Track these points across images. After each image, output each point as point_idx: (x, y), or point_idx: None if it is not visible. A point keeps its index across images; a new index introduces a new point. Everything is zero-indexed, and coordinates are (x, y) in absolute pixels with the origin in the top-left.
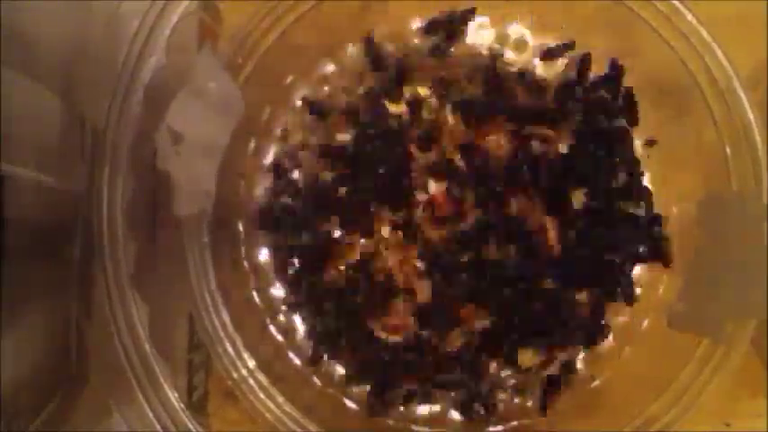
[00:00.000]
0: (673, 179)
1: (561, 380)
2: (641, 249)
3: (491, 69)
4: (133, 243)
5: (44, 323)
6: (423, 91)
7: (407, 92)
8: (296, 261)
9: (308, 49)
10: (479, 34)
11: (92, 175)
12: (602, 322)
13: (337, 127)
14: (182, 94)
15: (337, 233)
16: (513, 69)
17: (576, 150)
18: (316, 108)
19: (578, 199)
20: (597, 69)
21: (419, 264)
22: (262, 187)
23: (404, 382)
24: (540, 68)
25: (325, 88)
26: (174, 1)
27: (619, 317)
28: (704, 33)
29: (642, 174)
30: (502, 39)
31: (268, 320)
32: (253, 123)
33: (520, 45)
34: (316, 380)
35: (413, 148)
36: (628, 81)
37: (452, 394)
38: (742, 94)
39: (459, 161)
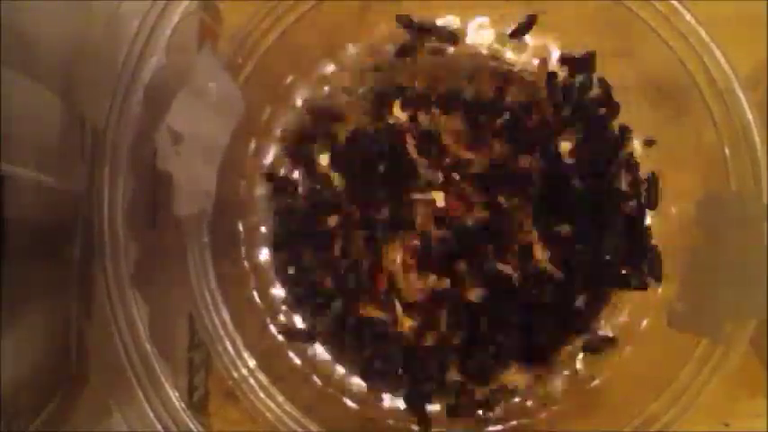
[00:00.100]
0: (672, 179)
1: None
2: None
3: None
4: (133, 243)
5: (44, 323)
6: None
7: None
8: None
9: (308, 49)
10: (479, 34)
11: (92, 175)
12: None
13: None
14: (182, 94)
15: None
16: (514, 69)
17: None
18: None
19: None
20: (599, 69)
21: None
22: (262, 187)
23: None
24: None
25: (326, 88)
26: (174, 1)
27: (619, 317)
28: (703, 33)
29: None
30: (502, 39)
31: (268, 320)
32: (253, 123)
33: (520, 45)
34: (316, 380)
35: (411, 149)
36: (627, 81)
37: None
38: (741, 95)
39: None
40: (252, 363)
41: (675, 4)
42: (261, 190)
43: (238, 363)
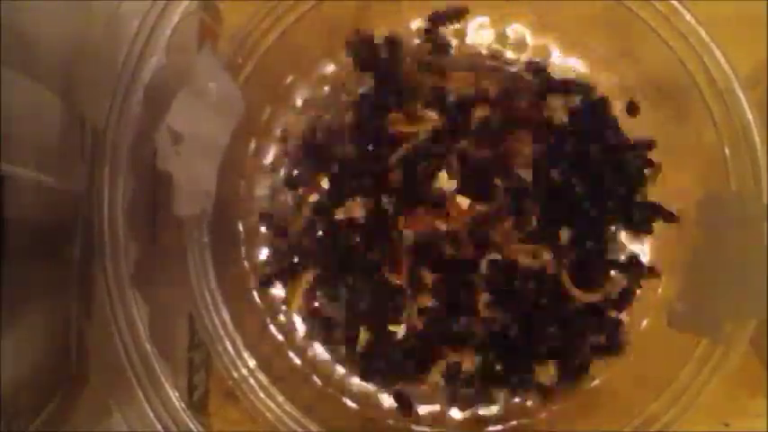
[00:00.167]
0: (672, 179)
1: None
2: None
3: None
4: (133, 243)
5: (44, 323)
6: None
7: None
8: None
9: (308, 49)
10: (479, 34)
11: (92, 175)
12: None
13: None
14: (182, 94)
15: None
16: (513, 69)
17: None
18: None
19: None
20: (599, 69)
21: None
22: (262, 187)
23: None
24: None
25: (325, 88)
26: (174, 1)
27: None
28: (703, 33)
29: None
30: (502, 39)
31: (268, 320)
32: (253, 123)
33: (520, 45)
34: (316, 379)
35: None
36: (627, 81)
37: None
38: (741, 95)
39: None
40: (252, 363)
41: (675, 4)
42: (261, 190)
43: (238, 363)
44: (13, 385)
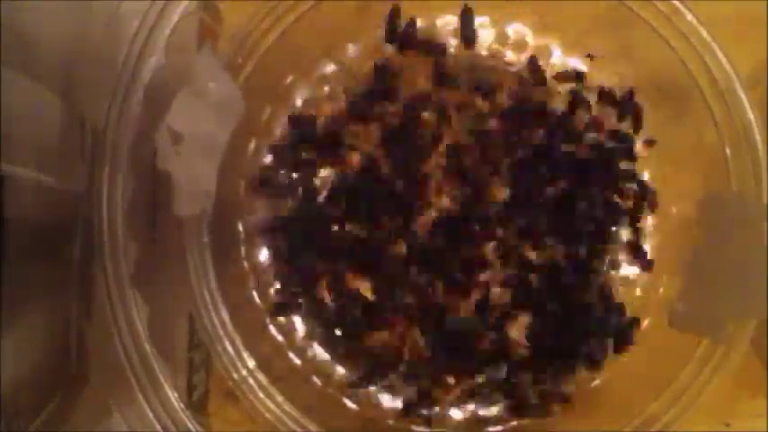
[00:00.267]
0: (672, 179)
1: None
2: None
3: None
4: (133, 243)
5: (44, 323)
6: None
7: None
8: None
9: (308, 49)
10: (479, 34)
11: (92, 175)
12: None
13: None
14: (182, 94)
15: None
16: (513, 69)
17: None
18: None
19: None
20: (599, 69)
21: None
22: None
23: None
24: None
25: (325, 88)
26: (174, 1)
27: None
28: (704, 33)
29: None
30: (502, 39)
31: (268, 320)
32: (253, 123)
33: (520, 45)
34: (316, 380)
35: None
36: (627, 81)
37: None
38: (742, 95)
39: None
40: (252, 363)
41: (676, 3)
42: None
43: (238, 363)
44: (13, 385)
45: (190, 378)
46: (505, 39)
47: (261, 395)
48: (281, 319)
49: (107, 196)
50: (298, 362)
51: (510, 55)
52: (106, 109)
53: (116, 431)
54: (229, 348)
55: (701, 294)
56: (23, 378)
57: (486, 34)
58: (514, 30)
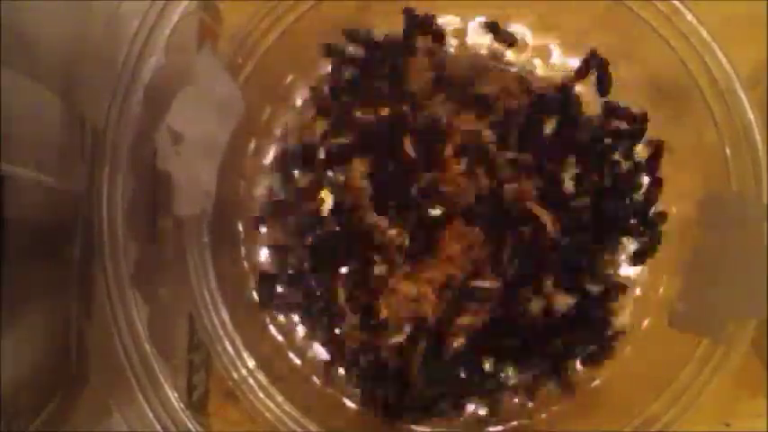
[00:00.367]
0: (673, 179)
1: None
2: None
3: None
4: (133, 243)
5: (44, 323)
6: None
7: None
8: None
9: (308, 49)
10: (479, 34)
11: (92, 175)
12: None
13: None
14: (182, 94)
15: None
16: (513, 70)
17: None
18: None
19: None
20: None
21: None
22: (262, 187)
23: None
24: (540, 69)
25: (325, 88)
26: (173, 1)
27: (619, 317)
28: (704, 33)
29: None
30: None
31: (268, 320)
32: (253, 123)
33: (520, 45)
34: (316, 380)
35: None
36: (627, 81)
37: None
38: (742, 95)
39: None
40: (252, 363)
41: (676, 4)
42: (261, 190)
43: (238, 363)
44: (13, 385)
45: (190, 378)
46: None
47: (261, 395)
48: (281, 318)
49: (107, 196)
50: (298, 362)
51: (510, 55)
52: (106, 109)
53: (116, 431)
54: (229, 348)
55: (700, 294)
56: (23, 378)
57: (485, 34)
58: (514, 30)
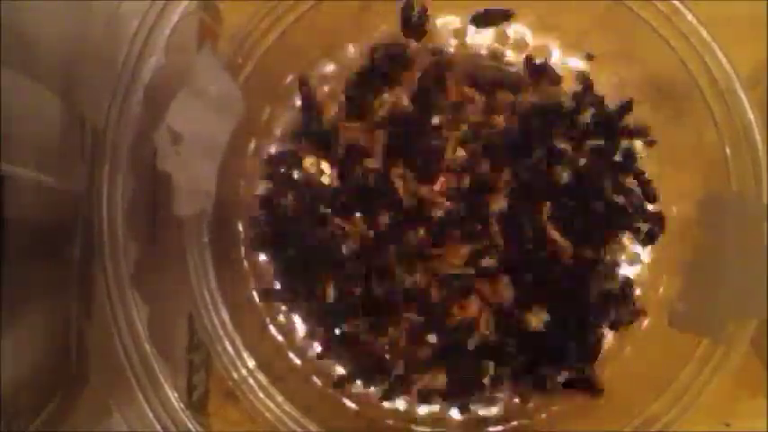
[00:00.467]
0: (673, 179)
1: None
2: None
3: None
4: (133, 243)
5: (44, 323)
6: None
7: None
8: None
9: (308, 49)
10: (479, 34)
11: (92, 175)
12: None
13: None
14: (182, 94)
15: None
16: (513, 69)
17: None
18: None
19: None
20: (599, 69)
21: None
22: (262, 187)
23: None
24: None
25: (325, 88)
26: (173, 1)
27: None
28: (704, 33)
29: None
30: (502, 39)
31: (268, 320)
32: (253, 123)
33: (520, 45)
34: (316, 380)
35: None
36: (627, 81)
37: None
38: (742, 95)
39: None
40: (252, 363)
41: (677, 4)
42: (261, 190)
43: (238, 363)
44: (13, 385)
45: (190, 378)
46: (505, 39)
47: (261, 395)
48: (281, 318)
49: (107, 196)
50: (298, 362)
51: (510, 55)
52: (106, 109)
53: (116, 431)
54: (229, 348)
55: (701, 294)
56: (23, 378)
57: (486, 34)
58: (514, 30)
